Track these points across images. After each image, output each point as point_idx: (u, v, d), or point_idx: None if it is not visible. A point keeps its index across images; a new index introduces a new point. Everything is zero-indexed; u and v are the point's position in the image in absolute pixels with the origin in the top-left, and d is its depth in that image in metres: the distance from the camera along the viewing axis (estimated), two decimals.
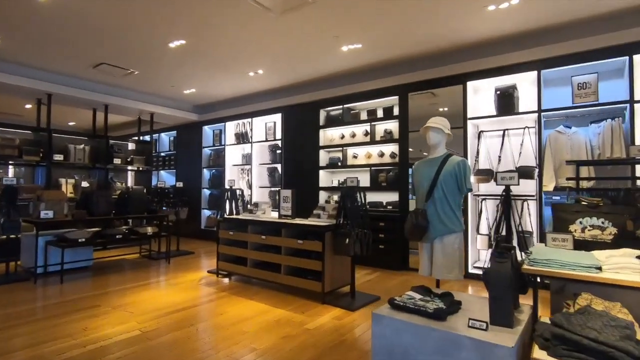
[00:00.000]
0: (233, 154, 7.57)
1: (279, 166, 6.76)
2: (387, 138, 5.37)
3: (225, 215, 4.92)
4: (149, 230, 5.19)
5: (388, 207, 5.27)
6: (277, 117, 6.75)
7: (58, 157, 5.86)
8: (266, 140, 6.92)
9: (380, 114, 5.52)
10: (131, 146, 7.22)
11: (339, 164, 5.88)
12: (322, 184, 6.03)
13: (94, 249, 5.20)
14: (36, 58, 5.15)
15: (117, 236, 4.81)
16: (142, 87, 6.58)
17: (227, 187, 5.29)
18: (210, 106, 7.86)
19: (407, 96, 5.12)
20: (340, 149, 5.86)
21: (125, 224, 6.06)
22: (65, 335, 2.74)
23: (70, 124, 9.92)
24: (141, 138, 7.70)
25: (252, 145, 7.06)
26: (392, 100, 5.33)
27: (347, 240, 3.44)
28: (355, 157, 5.82)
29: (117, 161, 6.58)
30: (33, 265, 4.38)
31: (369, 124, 5.54)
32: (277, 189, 6.75)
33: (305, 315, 3.24)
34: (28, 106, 7.60)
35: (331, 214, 3.91)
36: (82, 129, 9.93)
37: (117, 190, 6.52)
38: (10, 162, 5.58)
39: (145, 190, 6.93)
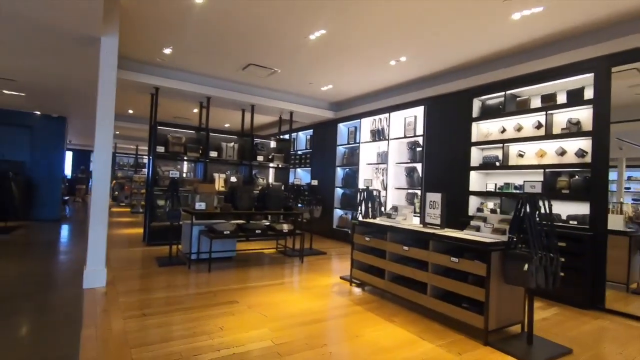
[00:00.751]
0: (368, 152, 7.16)
1: (418, 166, 6.01)
2: (573, 131, 4.05)
3: (360, 218, 4.48)
4: (285, 227, 5.17)
5: (571, 222, 3.97)
6: (419, 111, 6.01)
7: (213, 154, 6.47)
8: (404, 137, 6.26)
9: (561, 99, 4.22)
10: (272, 144, 7.55)
11: (497, 164, 4.78)
12: (472, 187, 5.04)
13: (237, 241, 5.48)
14: (197, 64, 5.71)
15: (257, 231, 4.90)
16: (283, 86, 6.74)
17: (362, 187, 4.87)
18: (346, 103, 7.63)
19: (609, 72, 3.73)
20: (500, 145, 4.76)
21: (265, 219, 6.29)
22: (204, 332, 2.69)
23: (226, 125, 11.19)
24: (281, 137, 8.00)
25: (388, 143, 6.49)
26: (583, 79, 3.99)
27: (527, 266, 2.53)
28: (521, 155, 4.63)
29: (260, 158, 6.94)
30: (189, 251, 4.79)
31: (543, 113, 4.30)
32: (416, 191, 6.03)
33: (463, 357, 2.49)
34: (195, 110, 8.77)
35: (497, 228, 3.02)
36: (234, 129, 11.10)
37: (259, 186, 6.87)
38: (177, 157, 6.39)
39: (282, 187, 7.13)
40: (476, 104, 5.11)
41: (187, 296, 3.53)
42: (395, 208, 4.16)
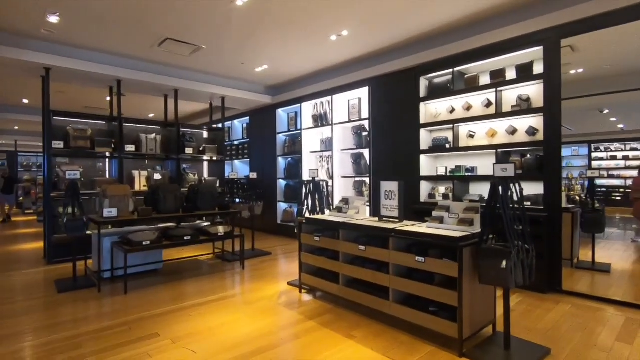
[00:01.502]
0: (310, 140, 6.61)
1: (365, 152, 5.61)
2: (523, 108, 3.86)
3: (308, 214, 3.94)
4: (221, 229, 4.45)
5: (525, 203, 3.80)
6: (363, 92, 5.58)
7: (130, 148, 5.45)
8: (349, 121, 5.80)
9: (511, 75, 4.01)
10: (205, 135, 6.66)
11: (448, 146, 4.52)
12: (423, 172, 4.74)
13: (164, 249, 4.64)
14: (99, 38, 4.65)
15: (186, 237, 4.12)
16: (212, 67, 5.88)
17: (308, 178, 4.32)
18: (284, 86, 6.97)
19: (558, 44, 3.55)
20: (450, 126, 4.49)
21: (201, 219, 5.47)
22: None
23: (150, 115, 9.90)
24: (213, 126, 7.11)
25: (332, 128, 6.00)
26: (532, 53, 3.80)
27: (505, 263, 2.17)
28: (471, 136, 4.40)
29: (189, 151, 6.04)
30: (100, 269, 3.88)
31: (492, 90, 4.07)
32: (364, 179, 5.64)
33: None
34: (109, 98, 7.50)
35: (464, 218, 2.65)
36: (160, 119, 9.86)
37: (190, 183, 6.00)
38: (82, 154, 5.28)
39: (217, 183, 6.33)
40: (423, 83, 4.78)
41: (90, 335, 2.71)
42: (345, 200, 3.67)
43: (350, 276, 3.11)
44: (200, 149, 6.36)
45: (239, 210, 4.94)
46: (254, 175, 5.48)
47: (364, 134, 5.64)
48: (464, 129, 4.48)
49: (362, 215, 3.50)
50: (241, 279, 4.18)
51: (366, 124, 5.55)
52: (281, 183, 7.21)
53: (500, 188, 2.32)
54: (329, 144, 6.17)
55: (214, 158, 6.58)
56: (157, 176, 5.71)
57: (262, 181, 7.24)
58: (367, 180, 5.57)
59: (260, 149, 7.67)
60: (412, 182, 4.78)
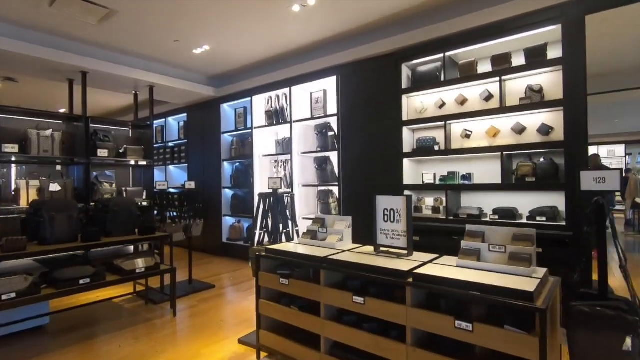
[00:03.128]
0: (263, 141, 5.48)
1: (333, 155, 4.63)
2: (535, 100, 3.13)
3: (266, 243, 2.83)
4: (140, 264, 3.15)
5: (538, 219, 3.07)
6: (330, 83, 4.60)
7: (10, 149, 3.90)
8: (312, 118, 4.78)
9: (518, 60, 3.28)
10: (127, 134, 5.21)
11: (437, 148, 3.69)
12: (406, 180, 3.86)
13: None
14: None
15: (82, 281, 2.77)
16: (133, 44, 4.52)
17: (265, 189, 3.21)
18: (231, 75, 5.76)
19: (582, 21, 2.86)
20: (440, 124, 3.65)
21: (115, 245, 4.05)
22: None
23: (61, 111, 8.03)
24: (138, 123, 5.65)
25: (291, 127, 4.93)
26: (546, 33, 3.08)
27: (628, 341, 1.27)
28: (467, 136, 3.60)
29: (103, 153, 4.56)
30: None
31: (495, 79, 3.31)
32: (331, 187, 4.65)
33: None
34: None
35: (516, 253, 1.73)
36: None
37: (106, 195, 4.56)
38: None
39: (144, 195, 4.93)
40: (405, 72, 3.92)
41: None
42: (321, 221, 2.63)
43: (339, 341, 2.06)
44: (121, 150, 4.93)
45: (168, 233, 3.65)
46: (190, 185, 4.20)
47: (331, 133, 4.66)
48: (457, 127, 3.68)
49: (347, 242, 2.48)
50: (171, 334, 2.93)
51: (333, 121, 4.57)
52: (227, 193, 5.97)
53: (600, 208, 1.43)
54: (286, 145, 5.10)
55: (140, 163, 5.17)
56: (55, 187, 4.20)
57: (203, 191, 5.94)
58: (335, 189, 4.58)
59: (200, 152, 6.34)
60: (392, 192, 3.88)
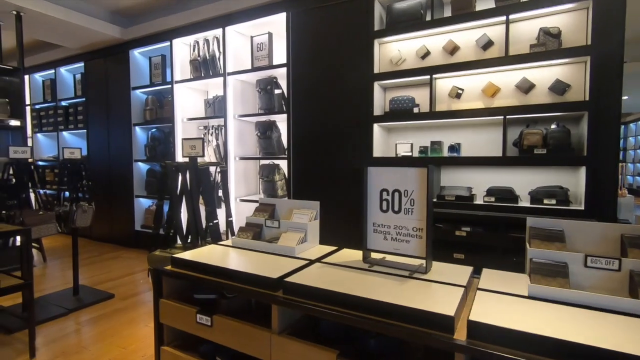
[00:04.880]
0: (189, 100, 4.23)
1: (280, 119, 3.60)
2: (551, 48, 2.39)
3: (178, 245, 1.77)
4: None
5: (546, 201, 2.40)
6: (277, 23, 3.50)
7: None
8: (253, 70, 3.66)
9: None
10: None
11: (416, 110, 2.86)
12: (377, 152, 2.99)
13: None
14: None
15: None
16: None
17: (179, 161, 2.10)
18: (143, 12, 4.32)
19: None
20: (424, 79, 2.80)
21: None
22: None
23: None
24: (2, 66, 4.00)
25: (225, 81, 3.76)
26: None
27: None
28: (457, 95, 2.79)
29: None
30: None
31: (499, 19, 2.52)
32: (278, 161, 3.65)
33: None
34: None
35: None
36: None
37: None
38: None
39: (10, 169, 3.44)
40: (379, 9, 2.98)
41: None
42: (269, 210, 1.63)
43: None
44: None
45: (21, 227, 2.33)
46: (73, 154, 2.85)
47: (278, 91, 3.59)
48: (445, 83, 2.86)
49: (312, 244, 1.53)
50: None
51: (281, 75, 3.51)
52: (140, 168, 4.64)
53: None
54: (219, 106, 3.93)
55: (10, 123, 3.67)
56: None
57: (104, 164, 4.58)
58: (283, 164, 3.58)
59: (104, 114, 4.85)
60: (358, 167, 3.00)
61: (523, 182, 2.63)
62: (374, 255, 1.36)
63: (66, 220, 2.80)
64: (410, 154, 2.90)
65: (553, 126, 2.45)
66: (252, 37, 3.67)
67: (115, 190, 4.75)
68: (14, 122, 3.72)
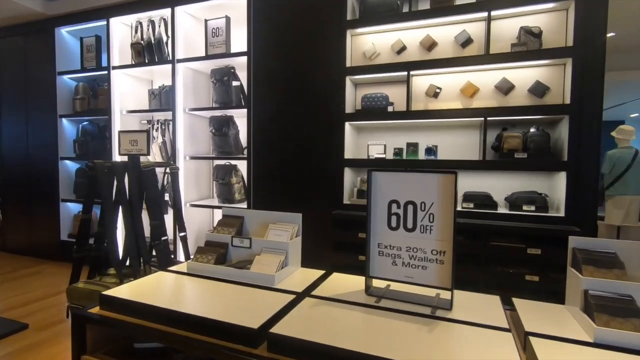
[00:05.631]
0: (129, 89, 3.66)
1: (239, 115, 3.21)
2: (532, 48, 2.29)
3: (110, 274, 1.35)
4: None
5: (525, 207, 2.30)
6: (236, 7, 3.11)
7: None
8: (207, 58, 3.22)
9: None
10: None
11: (391, 109, 2.65)
12: (348, 154, 2.73)
13: None
14: None
15: None
16: None
17: (115, 160, 1.66)
18: None
19: None
20: (399, 75, 2.59)
21: None
22: None
23: None
24: None
25: (174, 69, 3.28)
26: None
27: None
28: (435, 94, 2.62)
29: None
30: None
31: (480, 15, 2.38)
32: (235, 161, 3.27)
33: None
34: None
35: None
36: None
37: None
38: None
39: None
40: None
41: None
42: (237, 223, 1.28)
43: None
44: None
45: None
46: None
47: (236, 83, 3.20)
48: (422, 81, 2.68)
49: (294, 268, 1.21)
50: None
51: (240, 65, 3.13)
52: (68, 167, 3.95)
53: None
54: (165, 98, 3.44)
55: None
56: None
57: (18, 161, 3.87)
58: (242, 164, 3.19)
59: (22, 102, 4.08)
60: (331, 170, 2.72)
61: (498, 187, 2.52)
62: (376, 282, 1.07)
63: None
64: (383, 155, 2.68)
65: (532, 129, 2.36)
66: (206, 21, 3.24)
67: (36, 193, 4.01)
68: None
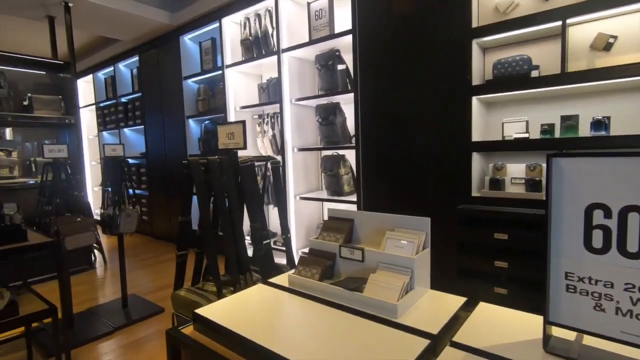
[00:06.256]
0: (241, 86, 3.78)
1: (345, 101, 2.97)
2: None
3: (210, 283, 1.24)
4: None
5: None
6: None
7: None
8: (311, 43, 3.06)
9: None
10: (30, 78, 3.51)
11: (537, 73, 2.04)
12: (477, 135, 2.23)
13: None
14: None
15: None
16: None
17: (210, 157, 1.58)
18: None
19: None
20: (549, 28, 1.97)
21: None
22: None
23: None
24: (51, 60, 3.86)
25: (279, 60, 3.22)
26: None
27: None
28: (606, 46, 1.92)
29: None
30: None
31: None
32: (342, 151, 3.05)
33: None
34: None
35: None
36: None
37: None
38: None
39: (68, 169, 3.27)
40: None
41: None
42: (346, 229, 1.02)
43: None
44: (25, 102, 3.31)
45: (52, 239, 1.98)
46: (115, 151, 2.52)
47: (341, 67, 2.96)
48: (584, 30, 2.00)
49: (421, 292, 0.89)
50: None
51: (345, 46, 2.87)
52: None
53: None
54: (273, 91, 3.42)
55: (57, 119, 3.53)
56: None
57: (159, 161, 4.36)
58: (350, 154, 2.96)
59: (157, 107, 4.64)
60: (452, 157, 2.27)
61: None
62: (557, 331, 0.69)
63: (110, 226, 2.49)
64: (526, 135, 2.10)
65: None
66: (308, 4, 3.07)
67: (172, 187, 4.53)
68: (62, 118, 3.56)
